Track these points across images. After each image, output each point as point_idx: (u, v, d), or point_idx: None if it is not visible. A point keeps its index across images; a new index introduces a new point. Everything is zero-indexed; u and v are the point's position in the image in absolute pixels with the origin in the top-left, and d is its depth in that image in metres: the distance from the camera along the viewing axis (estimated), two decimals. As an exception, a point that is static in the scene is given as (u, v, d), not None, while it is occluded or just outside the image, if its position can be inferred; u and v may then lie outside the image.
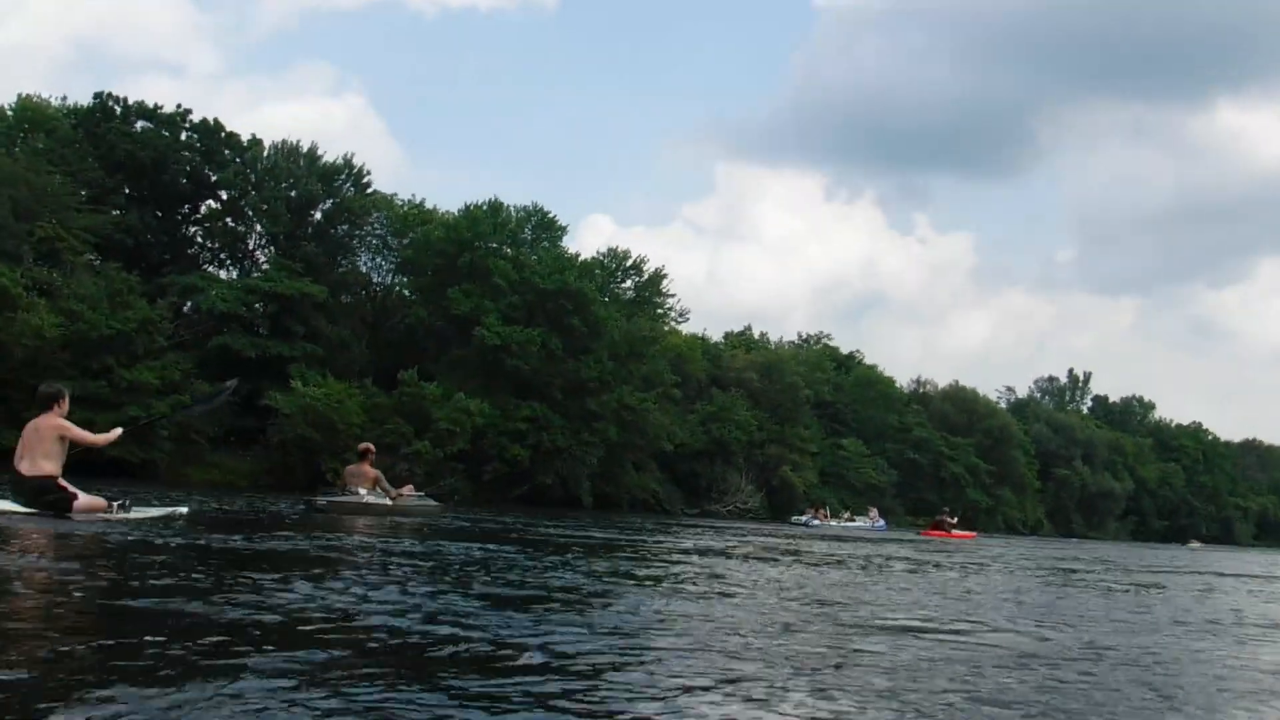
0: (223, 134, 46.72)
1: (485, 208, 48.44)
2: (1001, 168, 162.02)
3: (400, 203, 50.37)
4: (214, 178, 46.37)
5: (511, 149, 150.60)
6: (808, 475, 60.53)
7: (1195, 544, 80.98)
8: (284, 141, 46.70)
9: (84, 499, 10.26)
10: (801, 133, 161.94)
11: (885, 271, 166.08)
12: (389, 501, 17.53)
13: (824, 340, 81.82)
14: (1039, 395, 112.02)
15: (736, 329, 76.72)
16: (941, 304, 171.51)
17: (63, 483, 10.10)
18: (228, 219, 47.52)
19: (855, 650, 5.30)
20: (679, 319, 57.27)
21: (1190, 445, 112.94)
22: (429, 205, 51.36)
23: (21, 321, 35.01)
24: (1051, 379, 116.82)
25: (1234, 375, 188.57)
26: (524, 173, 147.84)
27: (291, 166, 45.80)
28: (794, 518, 49.22)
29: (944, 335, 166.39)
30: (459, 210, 48.97)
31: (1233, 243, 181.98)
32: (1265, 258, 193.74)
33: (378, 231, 48.96)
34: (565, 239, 51.60)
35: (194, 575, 6.32)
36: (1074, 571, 17.52)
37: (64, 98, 46.97)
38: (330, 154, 47.42)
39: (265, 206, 45.33)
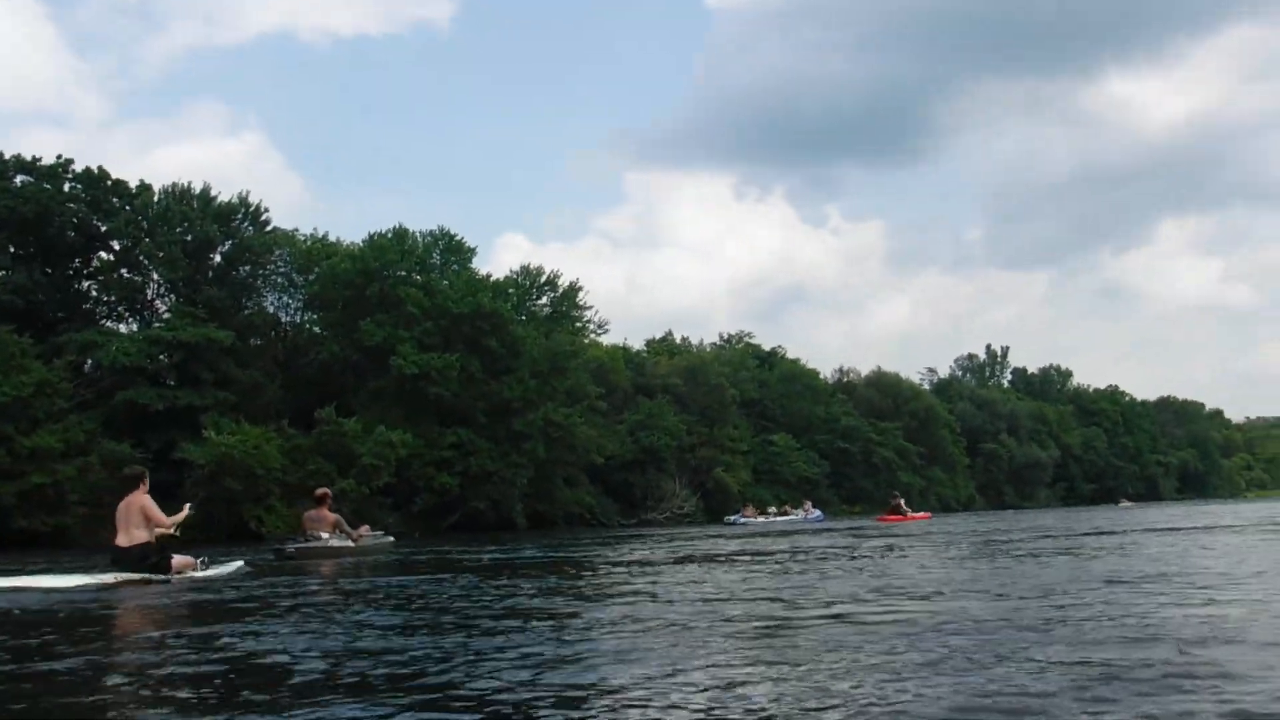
0: (108, 182, 44.99)
1: (390, 236, 47.33)
2: (906, 153, 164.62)
3: (303, 238, 49.06)
4: (103, 228, 44.63)
5: (418, 174, 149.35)
6: (741, 474, 60.31)
7: (1126, 503, 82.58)
8: (175, 185, 45.22)
9: (178, 559, 12.05)
10: (707, 134, 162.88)
11: (802, 265, 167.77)
12: (352, 543, 18.54)
13: (746, 339, 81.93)
14: (961, 373, 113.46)
15: (659, 336, 76.44)
16: (860, 292, 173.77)
17: (155, 549, 11.82)
18: (122, 269, 45.77)
19: (786, 635, 5.71)
20: (599, 331, 56.70)
21: (1109, 408, 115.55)
22: (332, 238, 50.20)
23: (-90, 395, 33.35)
24: (971, 356, 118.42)
25: (1144, 336, 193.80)
26: (433, 198, 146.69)
27: (185, 210, 44.29)
28: (727, 518, 49.21)
29: (865, 322, 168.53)
30: (363, 240, 47.77)
31: (1133, 208, 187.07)
32: (1165, 220, 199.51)
33: (281, 269, 47.61)
34: (479, 261, 50.84)
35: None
36: (1027, 540, 17.84)
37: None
38: (228, 194, 46.16)
39: (161, 253, 43.71)
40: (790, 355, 79.95)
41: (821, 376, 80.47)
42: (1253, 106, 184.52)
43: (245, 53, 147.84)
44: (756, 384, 70.06)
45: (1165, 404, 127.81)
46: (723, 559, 14.78)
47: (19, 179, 44.21)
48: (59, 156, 45.09)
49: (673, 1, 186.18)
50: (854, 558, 14.22)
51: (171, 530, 12.22)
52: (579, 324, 54.75)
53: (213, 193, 45.23)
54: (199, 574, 12.38)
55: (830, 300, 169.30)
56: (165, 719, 4.18)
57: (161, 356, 41.79)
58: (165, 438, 39.19)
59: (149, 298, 46.34)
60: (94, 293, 46.98)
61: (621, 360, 58.76)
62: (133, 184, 45.31)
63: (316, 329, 48.23)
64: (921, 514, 47.70)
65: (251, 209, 45.89)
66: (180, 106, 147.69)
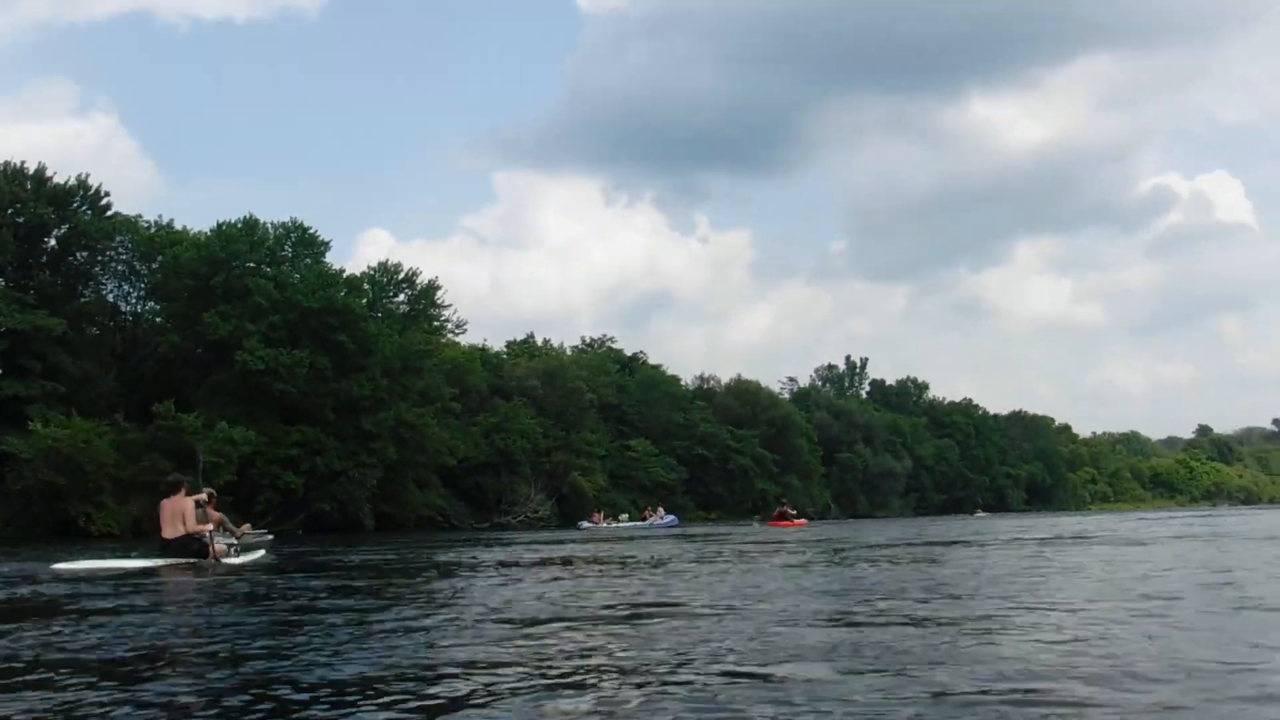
0: (-68, 159, 42.66)
1: (240, 225, 45.80)
2: (774, 164, 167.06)
3: (146, 224, 47.11)
4: (-74, 208, 42.26)
5: (280, 166, 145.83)
6: (597, 479, 60.16)
7: (980, 513, 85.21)
8: (6, 164, 42.96)
9: (215, 548, 14.61)
10: (577, 138, 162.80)
11: (668, 271, 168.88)
12: (235, 540, 18.69)
13: (608, 343, 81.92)
14: (820, 383, 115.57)
15: (521, 338, 75.91)
16: (725, 300, 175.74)
17: (199, 539, 14.52)
18: (-52, 252, 43.42)
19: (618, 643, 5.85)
20: (456, 330, 55.93)
21: (962, 421, 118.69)
22: (180, 226, 48.21)
23: None
24: (831, 367, 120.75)
25: (998, 351, 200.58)
26: (295, 190, 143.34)
27: (17, 191, 42.17)
28: (581, 524, 49.10)
29: (729, 330, 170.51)
30: (211, 230, 46.11)
31: (991, 227, 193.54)
32: (1021, 240, 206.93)
33: (123, 257, 45.67)
34: (340, 256, 49.77)
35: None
36: (887, 547, 18.20)
37: None
38: (73, 176, 43.94)
39: (-8, 235, 41.62)
40: (652, 361, 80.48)
41: (683, 383, 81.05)
42: (1104, 134, 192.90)
43: (100, 31, 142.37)
44: (616, 389, 70.09)
45: (1016, 418, 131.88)
46: (580, 567, 14.76)
47: None
48: (-120, 130, 42.61)
49: (544, 3, 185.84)
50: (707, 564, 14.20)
51: (207, 527, 14.95)
52: (436, 323, 53.94)
53: (48, 174, 43.16)
54: (234, 560, 15.24)
55: (695, 307, 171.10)
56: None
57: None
58: (-13, 429, 37.27)
59: (-24, 282, 44.01)
60: (-85, 275, 44.51)
61: (479, 361, 58.11)
62: (-38, 162, 43.06)
63: (158, 319, 46.40)
64: (800, 521, 49.19)
65: (90, 192, 43.93)
66: (26, 84, 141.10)
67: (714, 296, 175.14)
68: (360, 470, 43.80)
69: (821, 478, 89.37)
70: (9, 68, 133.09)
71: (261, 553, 16.98)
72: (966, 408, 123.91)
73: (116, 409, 40.45)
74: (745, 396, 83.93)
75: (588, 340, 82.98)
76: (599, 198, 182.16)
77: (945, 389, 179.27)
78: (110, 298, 46.37)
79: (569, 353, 73.95)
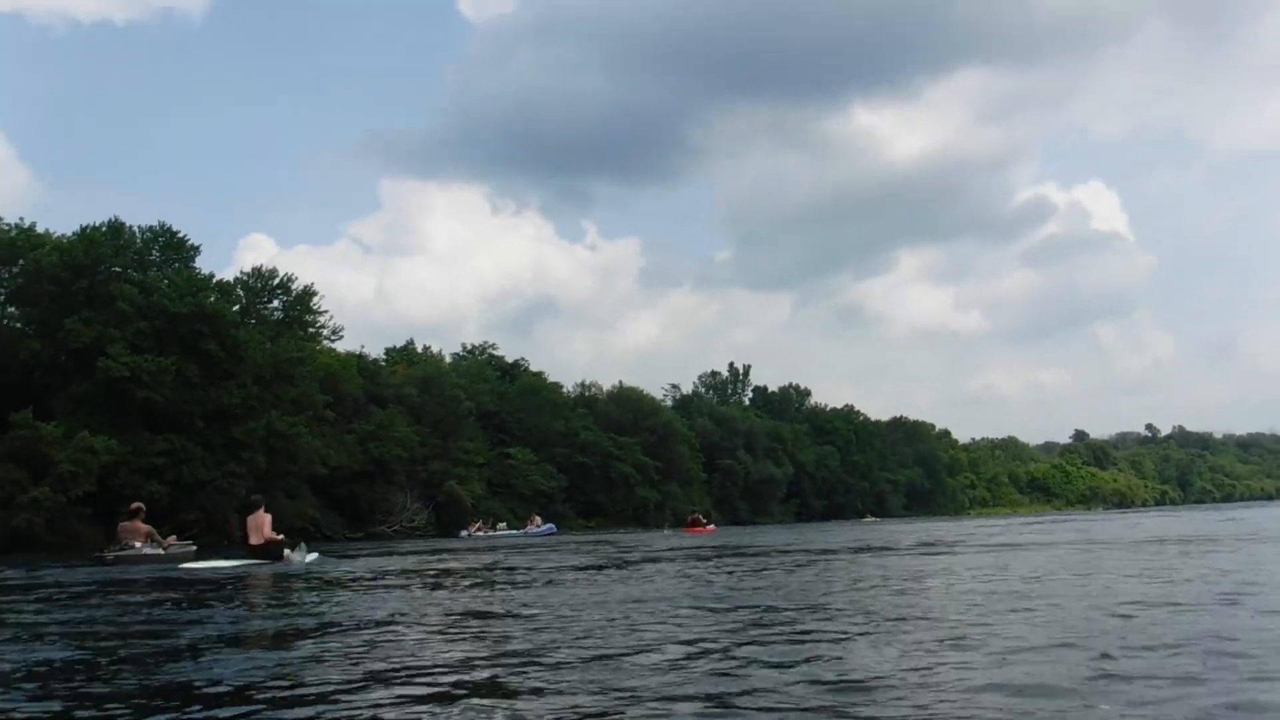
0: None
1: (104, 229, 44.99)
2: (660, 172, 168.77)
3: (7, 227, 45.92)
4: None
5: (160, 170, 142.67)
6: (474, 487, 60.25)
7: (869, 518, 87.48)
8: None
9: (286, 554, 19.03)
10: (462, 145, 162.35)
11: (555, 278, 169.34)
12: (162, 551, 20.73)
13: (489, 350, 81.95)
14: (704, 390, 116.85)
15: (401, 344, 75.54)
16: (612, 307, 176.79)
17: (277, 543, 19.41)
18: None
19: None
20: (332, 337, 55.50)
21: (843, 427, 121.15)
22: (43, 229, 47.03)
23: None
24: (715, 374, 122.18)
25: (880, 358, 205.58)
26: (173, 194, 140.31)
27: None
28: (461, 533, 49.34)
29: (615, 338, 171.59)
30: (74, 233, 45.17)
31: (875, 236, 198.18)
32: (903, 249, 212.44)
33: (-20, 260, 44.49)
34: (219, 261, 49.40)
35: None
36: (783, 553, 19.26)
37: None
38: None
39: None
40: (536, 369, 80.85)
41: (565, 391, 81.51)
42: (983, 145, 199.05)
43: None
44: (495, 396, 70.27)
45: (897, 424, 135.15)
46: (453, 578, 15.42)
47: None
48: None
49: (428, 9, 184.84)
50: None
51: (279, 537, 19.82)
52: (312, 329, 53.50)
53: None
54: (296, 559, 19.36)
55: (582, 315, 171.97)
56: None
57: None
58: None
59: None
60: None
61: (354, 368, 57.72)
62: None
63: (18, 325, 45.27)
64: (710, 527, 52.70)
65: (-52, 195, 42.82)
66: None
67: (601, 304, 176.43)
68: (229, 480, 43.33)
69: (703, 484, 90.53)
70: None
71: (315, 555, 20.66)
72: (848, 414, 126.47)
73: (-29, 417, 39.42)
74: (627, 404, 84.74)
75: (469, 347, 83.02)
76: (485, 205, 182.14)
77: (827, 396, 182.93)
78: (-33, 304, 45.11)
79: (449, 360, 73.87)
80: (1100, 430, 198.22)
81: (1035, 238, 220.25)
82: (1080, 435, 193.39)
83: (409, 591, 12.18)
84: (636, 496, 77.99)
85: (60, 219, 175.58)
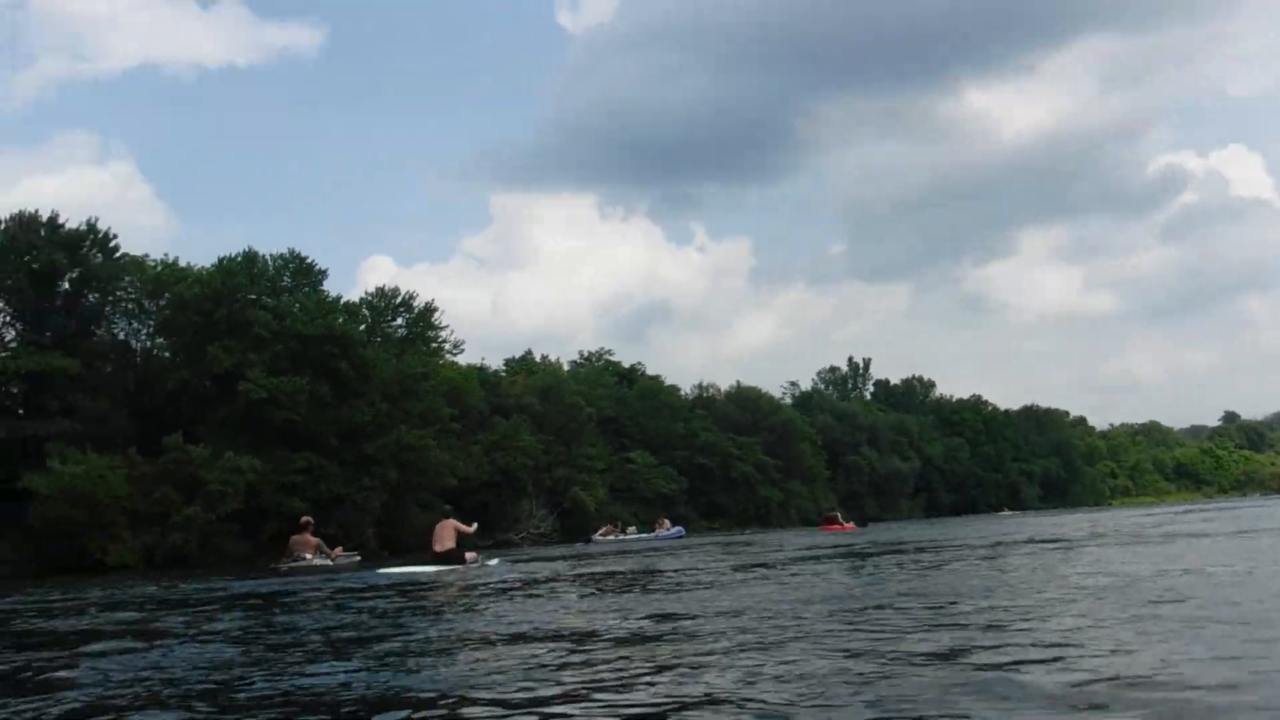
0: (-49, 211, 44.82)
1: (240, 259, 47.91)
2: (767, 170, 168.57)
3: (153, 263, 49.26)
4: (-54, 258, 44.43)
5: (286, 200, 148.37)
6: (598, 493, 61.70)
7: (1006, 511, 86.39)
8: (20, 212, 45.17)
9: (469, 557, 20.78)
10: (567, 155, 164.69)
11: (667, 282, 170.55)
12: (331, 561, 23.15)
13: (605, 356, 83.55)
14: (823, 386, 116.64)
15: (519, 355, 77.75)
16: (724, 308, 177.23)
17: (458, 552, 20.87)
18: (-33, 299, 45.59)
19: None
20: (454, 351, 57.78)
21: (971, 418, 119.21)
22: (186, 263, 50.26)
23: None
24: (834, 369, 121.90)
25: (1006, 345, 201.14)
26: (299, 223, 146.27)
27: (31, 238, 44.34)
28: (592, 538, 50.69)
29: (729, 338, 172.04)
30: (213, 265, 48.23)
31: (993, 219, 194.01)
32: (1026, 230, 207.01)
33: (131, 295, 47.79)
34: (344, 284, 51.93)
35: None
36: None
37: None
38: (83, 221, 46.10)
39: (8, 281, 43.76)
40: (651, 373, 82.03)
41: (682, 393, 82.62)
42: (1109, 116, 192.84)
43: (113, 84, 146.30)
44: (614, 402, 71.71)
45: (1028, 413, 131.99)
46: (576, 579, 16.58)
47: None
48: (-102, 185, 44.79)
49: (528, 23, 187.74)
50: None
51: (470, 531, 21.92)
52: (434, 345, 55.82)
53: (60, 220, 45.33)
54: (475, 565, 20.75)
55: (695, 317, 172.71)
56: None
57: (7, 386, 41.91)
58: (9, 468, 39.28)
59: (-4, 327, 46.16)
60: (-62, 323, 46.66)
61: (476, 380, 59.81)
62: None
63: (166, 355, 48.48)
64: (849, 524, 52.73)
65: (100, 235, 46.06)
66: (50, 137, 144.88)
67: (713, 305, 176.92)
68: (363, 494, 45.65)
69: (827, 482, 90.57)
70: (34, 122, 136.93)
71: (496, 561, 22.26)
72: (975, 404, 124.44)
73: (130, 444, 42.39)
74: (746, 403, 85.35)
75: (585, 354, 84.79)
76: (594, 213, 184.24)
77: (953, 387, 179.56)
78: (121, 336, 48.48)
79: (566, 368, 75.67)
80: (1253, 411, 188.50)
81: (1171, 209, 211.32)
82: (1231, 417, 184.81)
83: (585, 595, 13.09)
84: (759, 496, 78.66)
85: (198, 252, 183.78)
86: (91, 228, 46.07)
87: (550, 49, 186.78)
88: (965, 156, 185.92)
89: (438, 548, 21.08)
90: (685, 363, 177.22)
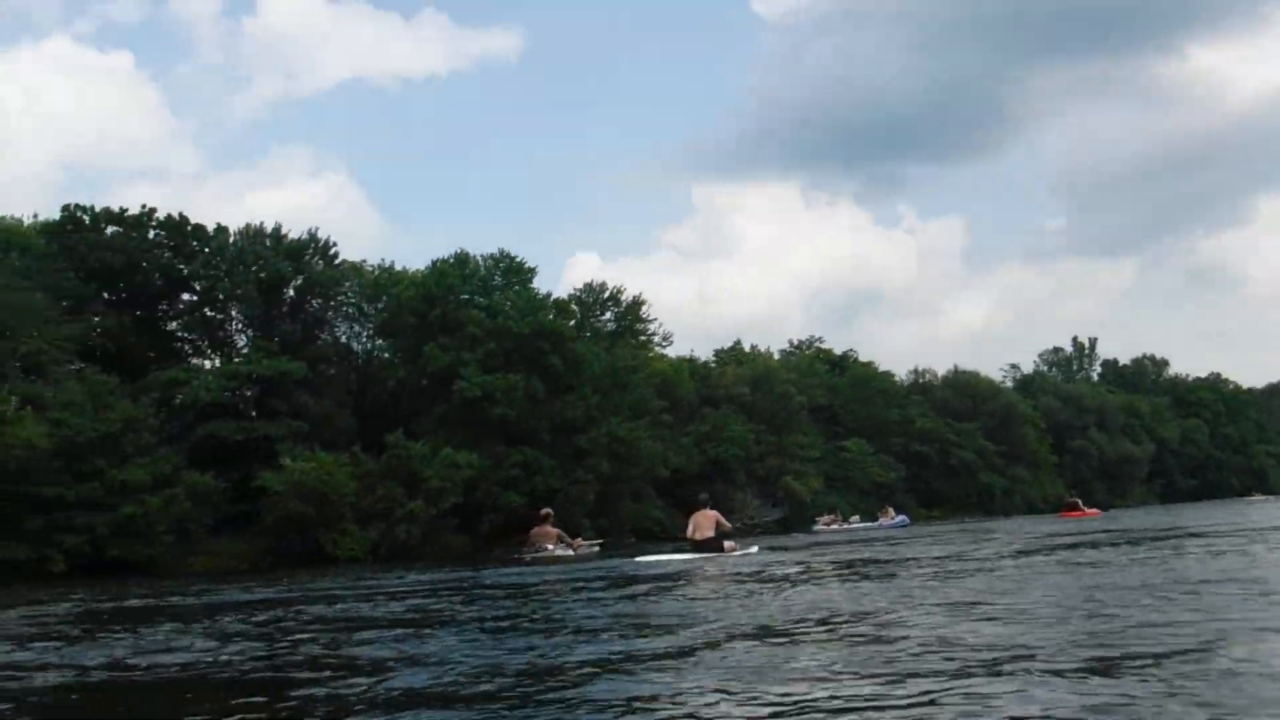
0: (189, 227, 47.64)
1: (452, 261, 49.18)
2: (977, 146, 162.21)
3: (370, 268, 51.16)
4: (185, 270, 47.27)
5: (493, 202, 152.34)
6: (812, 482, 60.68)
7: (1256, 496, 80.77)
8: (248, 226, 47.64)
9: (728, 545, 21.02)
10: (770, 142, 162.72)
11: (876, 267, 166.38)
12: (572, 552, 23.54)
13: (816, 344, 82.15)
14: (1046, 368, 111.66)
15: (728, 346, 77.15)
16: (937, 291, 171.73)
17: (718, 541, 20.77)
18: (204, 309, 48.35)
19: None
20: (663, 343, 57.83)
21: (1210, 398, 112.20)
22: (400, 267, 52.12)
23: (11, 434, 35.85)
24: (1057, 350, 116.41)
25: (1245, 319, 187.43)
26: (504, 223, 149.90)
27: (259, 249, 46.67)
28: (813, 526, 49.87)
29: (943, 322, 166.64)
30: (426, 267, 49.72)
31: (1225, 185, 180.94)
32: (1261, 195, 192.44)
33: (352, 300, 49.74)
34: (552, 281, 52.80)
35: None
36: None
37: (35, 215, 48.01)
38: (305, 231, 48.40)
39: (238, 291, 46.18)
40: (863, 359, 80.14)
41: (896, 379, 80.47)
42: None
43: (324, 100, 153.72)
44: (826, 389, 70.37)
45: (1274, 390, 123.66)
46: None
47: (109, 230, 47.12)
48: (143, 206, 47.83)
49: (722, 13, 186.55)
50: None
51: (729, 528, 21.91)
52: (643, 338, 55.99)
53: (284, 231, 47.58)
54: (741, 553, 21.08)
55: (906, 301, 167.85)
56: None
57: (241, 390, 44.15)
58: (245, 467, 41.42)
59: (229, 334, 48.86)
60: (179, 333, 49.73)
61: (686, 372, 59.66)
62: (210, 228, 48.00)
63: (386, 355, 50.25)
64: (1094, 510, 50.58)
65: (321, 244, 48.09)
66: (267, 153, 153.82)
67: (925, 288, 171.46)
68: (577, 487, 46.09)
69: (1053, 467, 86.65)
70: (253, 141, 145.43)
71: (756, 549, 22.40)
72: (1214, 383, 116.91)
73: (354, 442, 44.06)
74: (964, 388, 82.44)
75: (795, 342, 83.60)
76: (798, 200, 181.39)
77: (1187, 365, 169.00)
78: (343, 339, 50.55)
79: (777, 357, 74.67)
80: None
81: None
82: None
83: (863, 580, 12.50)
84: (980, 483, 75.87)
85: (412, 255, 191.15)
86: (313, 237, 48.17)
87: (747, 37, 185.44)
88: (1191, 120, 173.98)
89: (698, 536, 21.21)
90: (897, 348, 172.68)
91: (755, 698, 5.01)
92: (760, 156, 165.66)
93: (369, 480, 41.94)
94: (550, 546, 22.98)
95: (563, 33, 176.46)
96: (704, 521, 21.27)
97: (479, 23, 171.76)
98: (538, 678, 5.93)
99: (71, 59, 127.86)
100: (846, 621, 7.85)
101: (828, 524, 50.22)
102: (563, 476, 45.91)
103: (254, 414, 43.71)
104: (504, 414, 44.96)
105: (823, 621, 7.95)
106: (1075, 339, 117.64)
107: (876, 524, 50.84)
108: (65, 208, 47.29)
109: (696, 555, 20.29)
